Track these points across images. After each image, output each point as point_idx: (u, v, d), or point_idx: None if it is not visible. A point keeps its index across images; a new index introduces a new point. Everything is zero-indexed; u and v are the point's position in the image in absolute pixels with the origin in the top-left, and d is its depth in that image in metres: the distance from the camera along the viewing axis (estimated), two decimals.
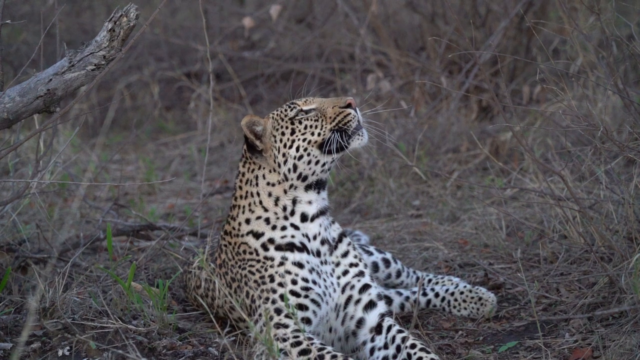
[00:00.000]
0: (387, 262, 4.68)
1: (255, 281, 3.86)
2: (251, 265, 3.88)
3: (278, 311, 3.77)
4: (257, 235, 3.89)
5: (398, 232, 5.69)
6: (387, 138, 5.33)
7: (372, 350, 3.86)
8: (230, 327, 4.12)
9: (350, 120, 3.79)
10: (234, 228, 3.96)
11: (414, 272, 4.76)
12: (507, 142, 6.53)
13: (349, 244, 4.00)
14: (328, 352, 3.62)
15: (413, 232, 5.66)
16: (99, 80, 3.85)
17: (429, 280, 4.69)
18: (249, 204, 3.92)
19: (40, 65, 4.33)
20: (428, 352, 3.70)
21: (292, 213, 3.87)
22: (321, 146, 3.82)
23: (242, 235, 3.92)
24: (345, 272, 3.95)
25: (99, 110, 8.86)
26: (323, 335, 3.91)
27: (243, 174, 3.95)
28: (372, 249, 4.70)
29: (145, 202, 6.64)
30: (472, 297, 4.44)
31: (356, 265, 3.97)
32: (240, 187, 3.95)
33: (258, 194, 3.90)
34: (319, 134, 3.81)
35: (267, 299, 3.80)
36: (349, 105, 3.82)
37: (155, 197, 6.93)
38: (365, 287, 3.94)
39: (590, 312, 4.19)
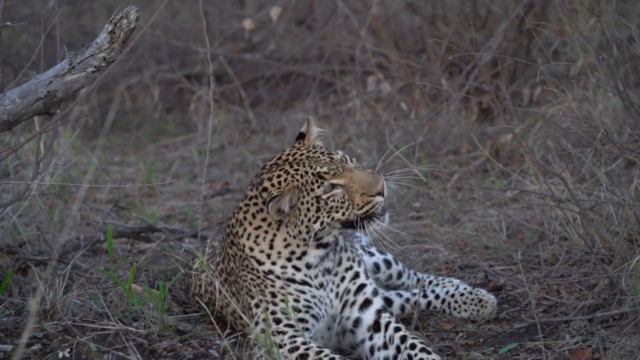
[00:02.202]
0: (388, 264, 4.68)
1: (261, 291, 3.87)
2: (253, 279, 3.90)
3: (277, 321, 3.79)
4: (260, 263, 3.89)
5: (398, 233, 5.68)
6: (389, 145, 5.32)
7: (372, 350, 3.87)
8: (230, 329, 4.12)
9: (377, 209, 3.78)
10: (238, 244, 3.94)
11: (415, 273, 4.75)
12: (507, 144, 6.52)
13: (342, 249, 4.02)
14: (326, 355, 3.64)
15: (413, 234, 5.66)
16: (99, 82, 3.84)
17: (430, 282, 4.68)
18: (257, 236, 3.90)
19: (41, 67, 4.33)
20: (429, 353, 3.70)
21: (299, 258, 3.88)
22: (344, 223, 3.82)
23: (247, 257, 3.91)
24: (343, 279, 3.96)
25: (100, 112, 8.85)
26: (322, 335, 3.92)
27: (257, 205, 3.90)
28: (373, 249, 4.70)
29: (146, 204, 6.64)
30: (473, 299, 4.44)
31: (350, 268, 3.97)
32: (254, 216, 3.92)
33: (267, 232, 3.89)
34: (343, 214, 3.80)
35: (267, 309, 3.82)
36: (378, 193, 3.79)
37: (156, 199, 6.93)
38: (360, 288, 3.95)
39: (590, 313, 4.19)
